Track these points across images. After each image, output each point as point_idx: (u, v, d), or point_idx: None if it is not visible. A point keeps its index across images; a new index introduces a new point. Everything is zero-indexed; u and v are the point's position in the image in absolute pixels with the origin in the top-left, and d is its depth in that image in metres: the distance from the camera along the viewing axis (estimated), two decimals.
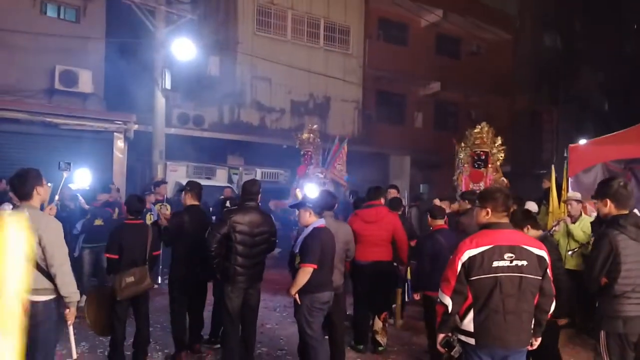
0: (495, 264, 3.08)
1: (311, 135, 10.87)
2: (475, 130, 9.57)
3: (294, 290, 4.54)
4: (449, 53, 20.08)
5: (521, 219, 4.29)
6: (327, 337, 5.13)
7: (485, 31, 20.28)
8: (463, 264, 3.11)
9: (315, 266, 4.47)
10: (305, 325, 4.60)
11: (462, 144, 9.82)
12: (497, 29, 20.74)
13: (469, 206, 6.25)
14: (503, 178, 9.20)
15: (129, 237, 5.10)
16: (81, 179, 8.09)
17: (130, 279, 4.94)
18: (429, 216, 5.65)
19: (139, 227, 5.23)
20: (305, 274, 4.46)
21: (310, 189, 8.64)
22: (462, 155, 9.84)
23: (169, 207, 8.38)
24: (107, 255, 5.09)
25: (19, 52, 11.48)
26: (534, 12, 22.86)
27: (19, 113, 10.75)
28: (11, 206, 6.97)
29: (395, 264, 6.09)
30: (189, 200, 5.64)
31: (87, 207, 7.62)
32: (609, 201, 3.57)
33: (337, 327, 5.24)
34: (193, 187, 5.72)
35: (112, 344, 5.08)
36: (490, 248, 3.10)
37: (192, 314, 5.71)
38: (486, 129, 9.44)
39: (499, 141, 9.54)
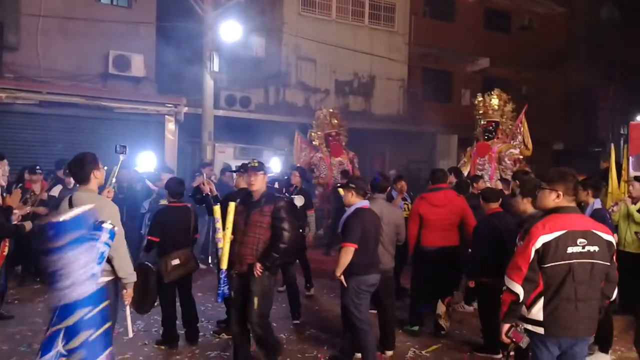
0: (570, 250, 2.98)
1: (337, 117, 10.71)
2: (479, 99, 8.94)
3: (338, 272, 4.55)
4: (499, 28, 19.44)
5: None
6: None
7: (537, 4, 19.52)
8: (537, 251, 2.99)
9: (356, 245, 4.47)
10: (352, 308, 4.60)
11: (476, 116, 9.23)
12: (551, 2, 19.91)
13: None
14: (512, 150, 8.46)
15: (171, 220, 5.17)
16: (146, 162, 8.54)
17: (176, 262, 5.07)
18: (481, 199, 5.41)
19: (181, 210, 5.29)
20: (347, 253, 4.49)
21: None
22: (477, 129, 9.28)
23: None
24: (149, 237, 5.17)
25: (76, 38, 11.96)
26: None
27: (77, 97, 11.30)
28: (61, 187, 7.46)
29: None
30: (242, 183, 5.57)
31: (155, 188, 7.98)
32: None
33: (387, 310, 5.21)
34: None
35: (164, 323, 5.25)
36: (564, 233, 2.98)
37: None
38: (496, 94, 8.76)
39: (509, 107, 8.81)
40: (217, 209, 4.75)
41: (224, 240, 4.54)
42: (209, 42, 11.73)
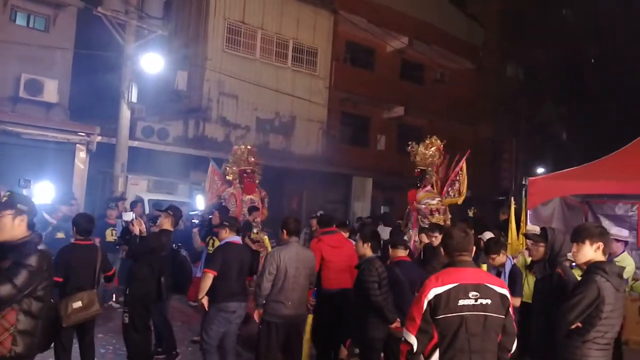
0: (461, 302, 3.03)
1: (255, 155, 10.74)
2: (409, 147, 8.88)
3: (200, 295, 4.98)
4: (414, 79, 20.66)
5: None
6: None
7: (449, 60, 20.98)
8: (429, 302, 3.02)
9: (215, 272, 4.91)
10: (203, 330, 5.03)
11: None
12: (462, 59, 21.49)
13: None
14: (428, 200, 8.48)
15: (77, 259, 4.81)
16: (43, 194, 8.12)
17: (78, 304, 4.64)
18: (389, 246, 5.35)
19: (87, 249, 4.94)
20: (205, 279, 4.95)
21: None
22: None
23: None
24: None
25: None
26: (497, 43, 23.77)
27: None
28: None
29: None
30: (167, 224, 5.62)
31: (53, 221, 7.65)
32: (602, 244, 3.55)
33: (294, 356, 5.15)
34: (176, 214, 5.74)
35: None
36: (455, 286, 3.04)
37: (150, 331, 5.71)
38: (427, 142, 8.69)
39: (436, 158, 8.68)
40: None
41: None
42: (128, 72, 11.62)
